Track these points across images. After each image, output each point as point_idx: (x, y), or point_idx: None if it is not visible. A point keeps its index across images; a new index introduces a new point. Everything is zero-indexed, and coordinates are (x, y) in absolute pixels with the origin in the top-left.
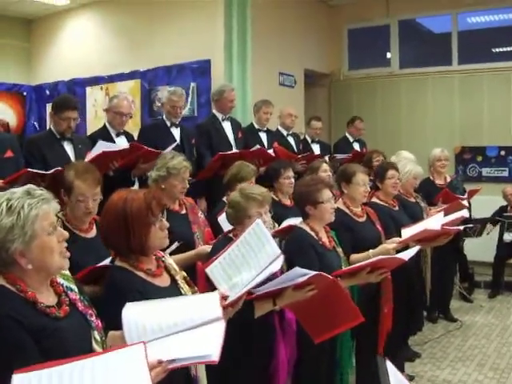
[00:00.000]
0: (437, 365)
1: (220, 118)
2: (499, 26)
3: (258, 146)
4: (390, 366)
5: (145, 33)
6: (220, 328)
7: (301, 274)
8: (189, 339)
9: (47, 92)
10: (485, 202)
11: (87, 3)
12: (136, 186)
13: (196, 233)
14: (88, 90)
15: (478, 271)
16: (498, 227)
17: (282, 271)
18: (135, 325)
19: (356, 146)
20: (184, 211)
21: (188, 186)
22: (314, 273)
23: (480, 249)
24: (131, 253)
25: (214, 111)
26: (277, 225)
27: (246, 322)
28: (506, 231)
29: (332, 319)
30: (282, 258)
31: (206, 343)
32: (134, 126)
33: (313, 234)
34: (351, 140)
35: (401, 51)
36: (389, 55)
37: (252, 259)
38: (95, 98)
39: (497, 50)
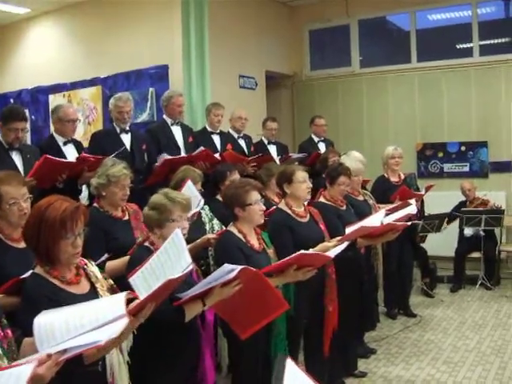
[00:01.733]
0: (391, 360)
1: (169, 123)
2: (457, 23)
3: (201, 148)
4: (291, 365)
5: (105, 39)
6: (121, 323)
7: (228, 270)
8: (88, 335)
9: (11, 100)
10: (447, 197)
11: (48, 11)
12: (85, 193)
13: (138, 238)
14: (51, 97)
15: (441, 266)
16: (457, 222)
17: (198, 276)
18: (44, 329)
19: (322, 146)
20: (126, 217)
21: (129, 192)
22: (240, 267)
23: (442, 244)
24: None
25: (164, 116)
26: (223, 227)
27: (172, 327)
28: (465, 226)
29: (258, 311)
30: (190, 267)
31: (101, 332)
32: None
33: (241, 236)
34: (316, 140)
35: (361, 50)
36: (350, 55)
37: (169, 269)
38: (56, 104)
39: (455, 46)
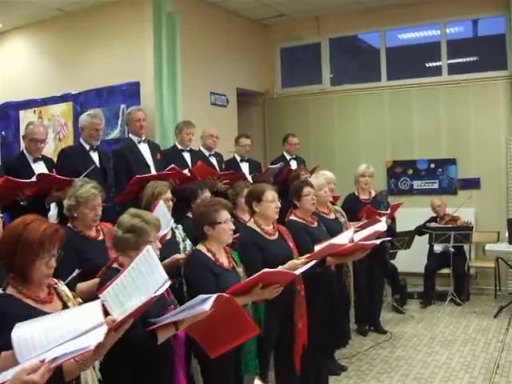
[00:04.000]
0: (362, 377)
1: (136, 141)
2: (426, 42)
3: (172, 165)
4: None
5: (76, 55)
6: (102, 330)
7: (202, 299)
8: (72, 343)
9: None
10: (417, 213)
11: (20, 26)
12: (53, 212)
13: None
14: (21, 113)
15: (412, 282)
16: (427, 239)
17: (168, 292)
18: (24, 341)
19: (294, 164)
20: (101, 237)
21: (100, 212)
22: (214, 296)
23: (412, 260)
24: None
25: (130, 135)
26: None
27: (148, 346)
28: (435, 242)
29: (229, 333)
30: (168, 283)
31: (85, 339)
32: None
33: (210, 255)
34: (288, 158)
35: (332, 68)
36: (320, 73)
37: (142, 285)
38: (29, 121)
39: (424, 65)
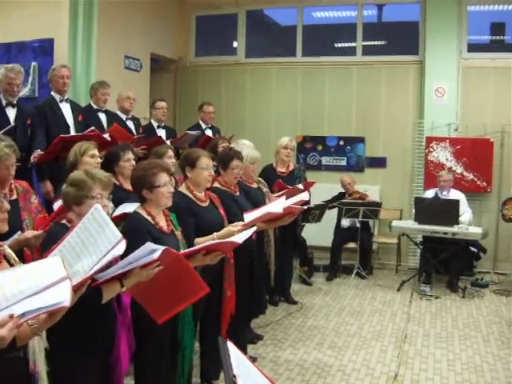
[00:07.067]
0: (278, 346)
1: (58, 100)
2: (342, 22)
3: (92, 128)
4: (232, 347)
5: None
6: (67, 285)
7: (151, 249)
8: (37, 298)
9: None
10: (324, 189)
11: None
12: None
13: (25, 220)
14: None
15: (318, 256)
16: (335, 213)
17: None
18: None
19: (209, 133)
20: (14, 197)
21: (14, 172)
22: (163, 247)
23: (319, 234)
24: None
25: (52, 93)
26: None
27: (88, 309)
28: (344, 217)
29: (176, 295)
30: (124, 242)
31: (54, 295)
32: None
33: (149, 218)
34: (204, 127)
35: (247, 41)
36: (235, 44)
37: (92, 245)
38: None
39: (339, 44)
